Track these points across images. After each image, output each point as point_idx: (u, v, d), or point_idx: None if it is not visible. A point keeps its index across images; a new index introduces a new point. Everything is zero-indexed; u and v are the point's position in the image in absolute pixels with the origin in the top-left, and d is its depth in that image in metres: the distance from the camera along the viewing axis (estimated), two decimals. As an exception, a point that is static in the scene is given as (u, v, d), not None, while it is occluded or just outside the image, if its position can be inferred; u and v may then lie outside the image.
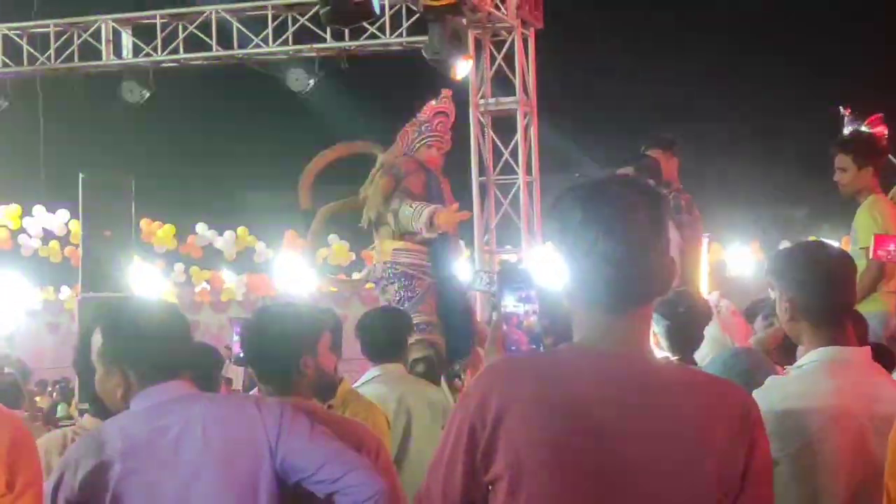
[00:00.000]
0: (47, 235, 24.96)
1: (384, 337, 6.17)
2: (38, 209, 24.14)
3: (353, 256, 27.45)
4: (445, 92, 10.21)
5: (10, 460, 3.38)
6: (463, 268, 9.50)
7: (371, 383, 6.01)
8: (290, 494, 3.55)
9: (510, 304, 3.01)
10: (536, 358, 2.77)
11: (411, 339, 8.73)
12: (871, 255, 6.00)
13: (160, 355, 3.62)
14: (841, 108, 7.73)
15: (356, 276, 9.34)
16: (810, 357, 3.78)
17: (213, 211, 25.77)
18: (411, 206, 8.82)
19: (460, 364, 9.57)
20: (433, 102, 9.92)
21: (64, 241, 25.20)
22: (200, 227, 26.47)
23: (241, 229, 26.95)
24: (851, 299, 3.89)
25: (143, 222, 22.53)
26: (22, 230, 24.03)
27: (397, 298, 8.90)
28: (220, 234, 26.66)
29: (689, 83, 18.60)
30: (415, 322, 8.79)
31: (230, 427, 3.53)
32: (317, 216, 9.90)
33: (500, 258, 13.00)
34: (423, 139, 9.25)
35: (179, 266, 27.13)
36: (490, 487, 2.65)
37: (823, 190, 7.57)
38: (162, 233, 25.62)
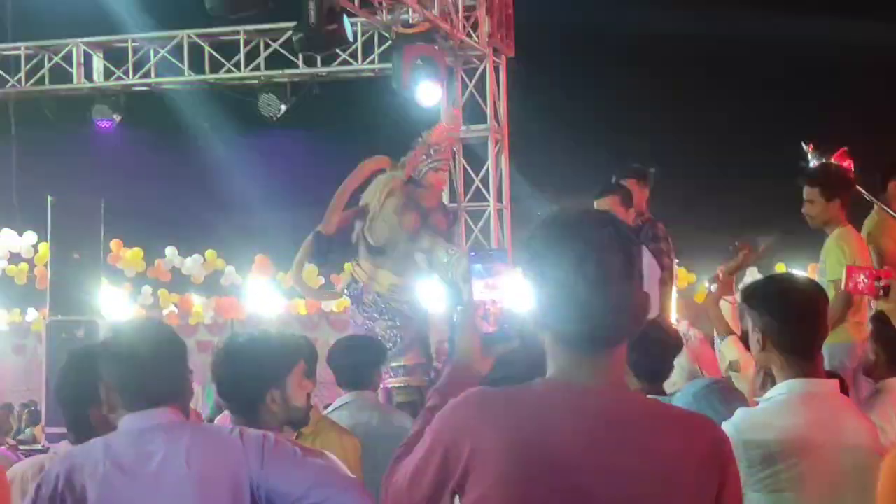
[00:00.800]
0: (14, 258, 24.86)
1: (356, 365, 6.20)
2: (6, 231, 24.03)
3: (322, 280, 27.45)
4: (456, 112, 10.25)
5: None
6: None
7: (342, 409, 6.05)
8: None
9: (476, 292, 3.02)
10: (510, 392, 2.75)
11: (398, 383, 8.80)
12: (842, 287, 6.05)
13: (151, 381, 3.64)
14: (804, 144, 7.78)
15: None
16: (779, 389, 3.85)
17: (182, 235, 25.68)
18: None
19: None
20: (444, 124, 9.95)
21: (30, 263, 25.11)
22: (170, 251, 26.42)
23: (209, 252, 26.90)
24: (823, 333, 3.94)
25: (113, 244, 22.44)
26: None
27: (388, 335, 8.89)
28: (189, 257, 26.61)
29: (657, 115, 18.69)
30: (403, 364, 8.86)
31: (212, 458, 3.54)
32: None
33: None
34: (432, 163, 9.26)
35: (147, 289, 27.07)
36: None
37: (791, 218, 7.63)
38: (130, 256, 25.54)
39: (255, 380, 4.23)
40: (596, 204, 8.38)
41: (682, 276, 19.33)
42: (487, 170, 13.19)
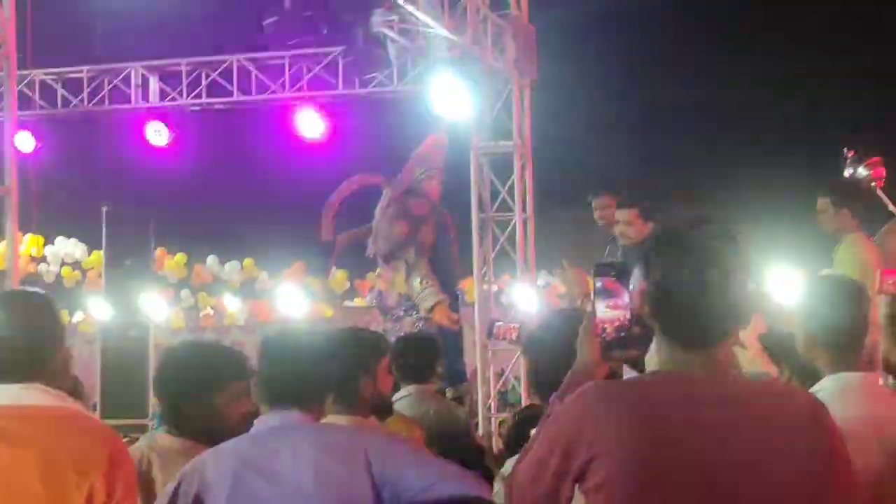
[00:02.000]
0: (65, 263, 25.00)
1: (416, 360, 6.29)
2: (60, 239, 24.19)
3: (349, 284, 27.55)
4: (440, 129, 10.36)
5: (110, 470, 3.35)
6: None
7: (403, 401, 6.14)
8: None
9: (599, 311, 3.00)
10: (628, 383, 2.85)
11: None
12: (875, 288, 6.11)
13: (288, 383, 3.68)
14: (845, 150, 7.86)
15: (357, 301, 9.35)
16: (824, 384, 3.88)
17: (222, 243, 25.80)
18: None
19: (458, 388, 9.59)
20: (433, 136, 10.03)
21: (80, 268, 25.26)
22: (210, 259, 26.58)
23: (247, 260, 27.03)
24: (864, 328, 3.99)
25: (158, 252, 22.56)
26: (43, 258, 24.03)
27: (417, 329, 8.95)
28: (227, 263, 26.77)
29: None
30: None
31: (338, 458, 3.53)
32: (336, 244, 9.93)
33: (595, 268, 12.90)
34: (423, 173, 9.36)
35: (187, 292, 27.22)
36: (583, 494, 2.74)
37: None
38: (174, 263, 25.70)
39: (352, 367, 4.29)
40: (617, 214, 8.43)
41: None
42: (513, 182, 13.23)
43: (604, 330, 2.97)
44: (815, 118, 18.80)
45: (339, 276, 27.36)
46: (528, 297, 12.80)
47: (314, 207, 23.73)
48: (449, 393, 9.40)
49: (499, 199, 13.32)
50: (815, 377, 3.95)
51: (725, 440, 2.64)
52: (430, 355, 6.36)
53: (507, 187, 13.27)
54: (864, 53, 18.25)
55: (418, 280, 8.98)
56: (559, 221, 8.86)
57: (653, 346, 2.85)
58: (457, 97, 11.98)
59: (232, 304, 28.32)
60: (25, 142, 13.21)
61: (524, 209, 13.27)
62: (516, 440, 5.49)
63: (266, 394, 3.73)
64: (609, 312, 2.97)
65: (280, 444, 3.57)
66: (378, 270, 9.53)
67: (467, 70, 12.03)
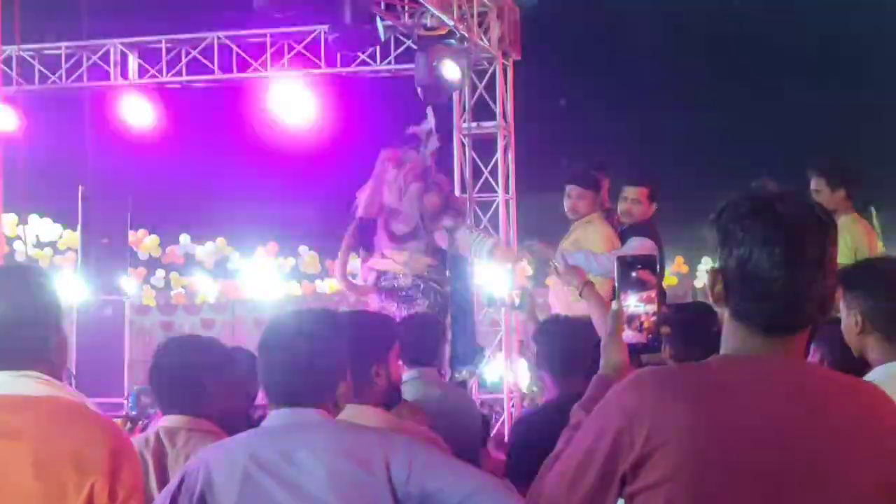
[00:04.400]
0: (40, 244, 24.60)
1: (417, 342, 5.94)
2: (33, 217, 23.73)
3: (320, 267, 27.25)
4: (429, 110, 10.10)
5: (112, 468, 2.97)
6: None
7: (406, 385, 5.77)
8: None
9: (631, 304, 2.73)
10: (685, 369, 2.46)
11: None
12: None
13: (296, 379, 3.31)
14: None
15: (359, 281, 8.98)
16: (879, 372, 3.59)
17: (195, 222, 25.54)
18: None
19: (467, 370, 9.32)
20: (429, 119, 9.78)
21: (54, 248, 24.86)
22: (183, 238, 26.29)
23: (219, 239, 26.73)
24: None
25: (131, 232, 22.18)
26: (17, 237, 23.58)
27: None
28: (202, 244, 26.48)
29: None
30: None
31: (355, 462, 3.17)
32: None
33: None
34: (429, 150, 9.16)
35: (160, 272, 27.04)
36: (627, 499, 2.39)
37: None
38: (148, 242, 25.34)
39: (363, 353, 3.93)
40: (626, 191, 8.19)
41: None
42: (496, 163, 12.92)
43: (641, 325, 2.69)
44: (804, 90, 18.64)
45: (308, 258, 27.08)
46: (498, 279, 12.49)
47: (289, 187, 23.57)
48: (462, 375, 9.09)
49: (481, 180, 13.02)
50: (856, 366, 3.63)
51: (802, 439, 2.31)
52: (434, 337, 5.99)
53: (489, 168, 12.97)
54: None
55: (466, 230, 8.69)
56: (542, 203, 8.59)
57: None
58: (441, 77, 11.69)
59: (203, 284, 28.05)
60: (8, 118, 12.75)
61: (507, 190, 12.98)
62: None
63: (273, 389, 3.35)
64: (642, 306, 2.73)
65: (294, 445, 3.21)
66: (382, 254, 9.06)
67: (452, 49, 11.74)
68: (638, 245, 7.79)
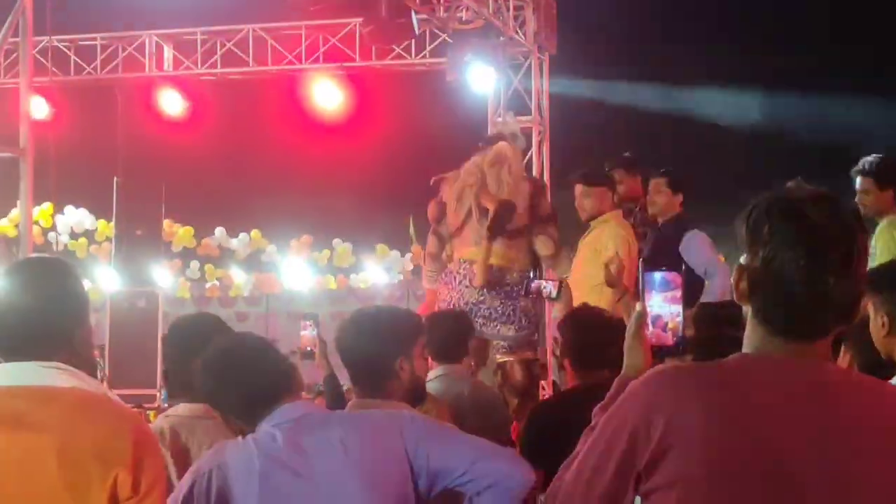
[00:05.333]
0: (75, 234, 24.75)
1: (446, 338, 5.90)
2: (69, 209, 23.87)
3: (354, 259, 27.29)
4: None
5: (135, 460, 2.95)
6: None
7: (435, 381, 5.75)
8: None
9: (656, 304, 2.67)
10: (704, 367, 2.41)
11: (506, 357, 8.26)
12: None
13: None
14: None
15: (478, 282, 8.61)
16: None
17: (230, 215, 25.63)
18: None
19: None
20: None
21: (90, 238, 24.99)
22: (218, 231, 26.35)
23: (254, 232, 26.80)
24: None
25: (165, 223, 22.27)
26: (53, 228, 23.77)
27: (502, 308, 8.50)
28: (236, 235, 26.55)
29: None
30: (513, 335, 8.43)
31: (370, 445, 3.20)
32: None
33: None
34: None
35: (195, 264, 27.11)
36: (644, 496, 2.35)
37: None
38: (182, 233, 25.42)
39: (387, 348, 3.93)
40: (651, 184, 8.17)
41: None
42: (531, 157, 12.89)
43: (665, 325, 2.64)
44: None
45: (341, 250, 27.11)
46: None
47: (324, 180, 23.62)
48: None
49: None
50: (880, 367, 3.59)
51: (822, 441, 2.26)
52: (463, 333, 5.95)
53: (524, 162, 12.93)
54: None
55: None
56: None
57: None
58: (477, 70, 11.66)
59: (238, 276, 28.14)
60: (40, 108, 12.82)
61: (541, 184, 12.93)
62: None
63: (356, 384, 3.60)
64: (667, 307, 2.67)
65: (307, 438, 3.24)
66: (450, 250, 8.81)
67: (488, 43, 11.71)
68: (699, 242, 7.85)
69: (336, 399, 5.75)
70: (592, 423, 2.54)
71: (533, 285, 6.37)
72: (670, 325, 2.67)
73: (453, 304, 8.30)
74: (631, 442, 2.31)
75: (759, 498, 2.25)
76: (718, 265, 7.92)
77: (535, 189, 8.86)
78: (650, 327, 2.69)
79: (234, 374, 3.40)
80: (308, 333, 5.89)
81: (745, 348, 2.40)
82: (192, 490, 3.25)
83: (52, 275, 3.19)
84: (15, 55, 9.03)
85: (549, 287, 6.21)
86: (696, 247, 7.86)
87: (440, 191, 8.82)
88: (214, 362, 3.47)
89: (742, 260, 2.38)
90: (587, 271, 7.64)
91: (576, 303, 6.25)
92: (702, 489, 2.25)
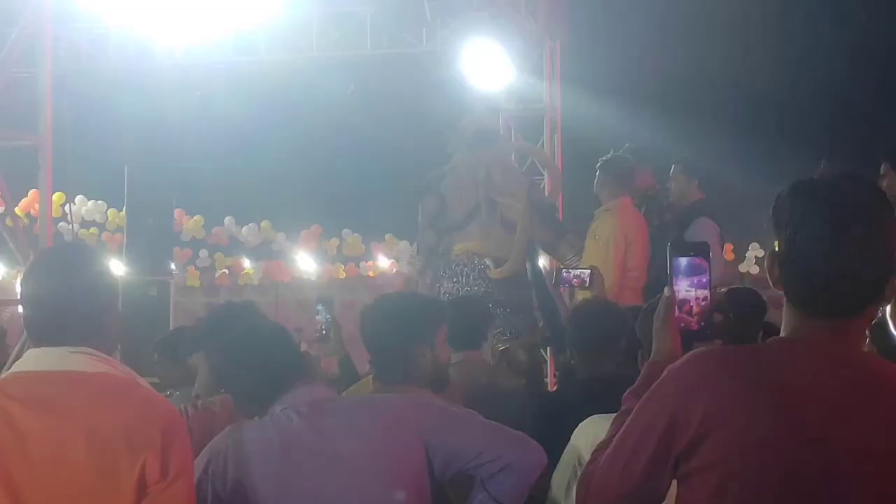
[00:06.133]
0: (86, 223, 24.76)
1: (463, 325, 5.89)
2: (80, 198, 23.89)
3: (364, 249, 27.28)
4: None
5: (163, 446, 2.99)
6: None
7: (452, 369, 5.75)
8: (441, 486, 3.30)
9: (682, 288, 2.69)
10: (744, 350, 2.43)
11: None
12: None
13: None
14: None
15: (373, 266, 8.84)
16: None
17: (240, 204, 25.64)
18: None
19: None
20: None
21: (101, 227, 25.00)
22: (228, 220, 26.38)
23: (264, 222, 26.81)
24: None
25: (176, 212, 22.29)
26: (63, 217, 23.74)
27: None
28: (246, 225, 26.57)
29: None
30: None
31: (387, 428, 3.24)
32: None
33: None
34: None
35: (205, 252, 27.14)
36: (681, 480, 2.37)
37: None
38: (192, 223, 25.44)
39: (409, 334, 3.95)
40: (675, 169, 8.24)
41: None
42: (542, 145, 12.87)
43: (690, 310, 2.65)
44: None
45: (351, 240, 27.10)
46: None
47: (334, 170, 23.61)
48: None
49: (527, 163, 12.98)
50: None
51: (859, 426, 2.28)
52: (481, 320, 5.95)
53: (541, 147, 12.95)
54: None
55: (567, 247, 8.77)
56: (589, 186, 8.55)
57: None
58: (488, 58, 11.65)
59: (247, 265, 28.17)
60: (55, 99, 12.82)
61: (554, 171, 12.90)
62: None
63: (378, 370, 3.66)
64: (693, 291, 2.68)
65: (325, 421, 3.28)
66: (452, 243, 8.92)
67: (500, 31, 11.68)
68: (700, 228, 7.88)
69: (351, 382, 5.76)
70: (623, 407, 2.55)
71: (565, 275, 6.48)
72: (695, 310, 2.68)
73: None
74: (669, 426, 2.34)
75: (799, 481, 2.27)
76: (714, 254, 7.96)
77: (530, 181, 9.06)
78: (677, 311, 2.71)
79: (249, 357, 3.44)
80: (322, 318, 5.91)
81: (782, 332, 2.43)
82: (208, 470, 3.28)
83: (80, 262, 3.22)
84: (30, 44, 9.00)
85: (584, 275, 6.37)
86: (697, 233, 7.90)
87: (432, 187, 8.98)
88: (231, 347, 3.51)
89: (778, 247, 2.40)
90: (586, 260, 7.85)
91: None
92: (741, 473, 2.28)
